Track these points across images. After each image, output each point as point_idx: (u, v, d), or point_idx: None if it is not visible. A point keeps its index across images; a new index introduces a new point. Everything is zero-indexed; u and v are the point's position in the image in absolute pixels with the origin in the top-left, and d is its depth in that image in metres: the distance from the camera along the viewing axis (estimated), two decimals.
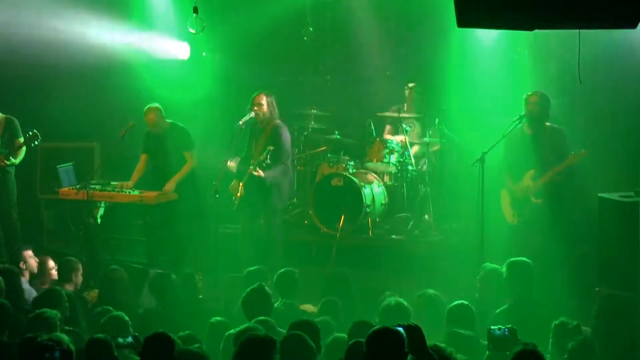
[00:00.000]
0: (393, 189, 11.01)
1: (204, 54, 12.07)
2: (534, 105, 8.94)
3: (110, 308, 7.14)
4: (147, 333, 5.71)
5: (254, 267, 8.23)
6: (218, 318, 7.15)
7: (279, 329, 6.52)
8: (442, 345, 5.25)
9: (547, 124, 9.01)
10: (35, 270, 8.93)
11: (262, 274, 8.03)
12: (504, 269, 7.53)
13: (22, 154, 10.16)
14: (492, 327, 5.95)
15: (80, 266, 8.70)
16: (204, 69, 11.84)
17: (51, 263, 9.00)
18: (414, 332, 4.69)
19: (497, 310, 7.22)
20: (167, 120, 10.22)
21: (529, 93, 9.01)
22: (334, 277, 8.31)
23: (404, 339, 4.65)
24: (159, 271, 9.00)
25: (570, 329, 6.44)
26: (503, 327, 5.91)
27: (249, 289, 7.13)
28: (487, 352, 6.02)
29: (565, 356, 6.20)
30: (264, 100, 9.79)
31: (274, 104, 9.90)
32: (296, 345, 5.37)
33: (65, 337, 5.21)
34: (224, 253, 9.70)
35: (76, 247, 10.26)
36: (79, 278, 8.64)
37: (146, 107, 10.14)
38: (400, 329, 4.70)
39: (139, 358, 5.79)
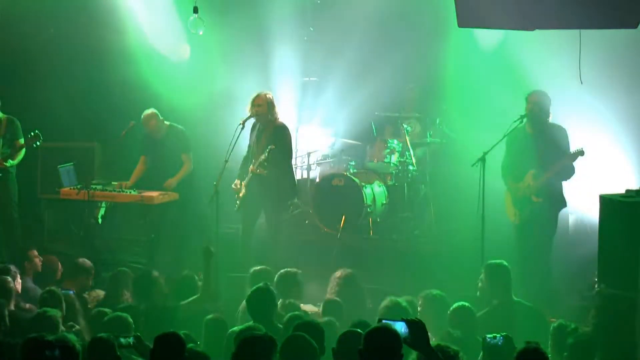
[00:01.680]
0: (394, 188, 11.02)
1: (203, 52, 12.07)
2: (534, 104, 8.91)
3: (108, 311, 7.12)
4: (149, 333, 5.69)
5: (259, 267, 8.12)
6: (211, 315, 7.13)
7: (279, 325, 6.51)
8: (445, 344, 5.22)
9: (549, 122, 9.00)
10: (40, 269, 8.93)
11: (268, 274, 7.98)
12: (481, 271, 7.52)
13: (21, 154, 10.16)
14: (487, 336, 5.86)
15: (92, 271, 8.69)
16: (204, 68, 11.83)
17: (56, 263, 9.01)
18: (417, 327, 4.67)
19: (479, 314, 7.16)
20: (166, 122, 10.23)
21: (529, 92, 9.00)
22: (343, 278, 8.26)
23: (399, 338, 4.58)
24: (141, 268, 8.79)
25: (569, 331, 6.44)
26: (498, 336, 5.82)
27: (254, 287, 7.00)
28: None
29: (566, 354, 6.19)
30: (263, 101, 9.71)
31: (274, 103, 9.85)
32: (298, 346, 5.33)
33: (73, 337, 5.19)
34: (224, 253, 9.69)
35: (77, 247, 10.27)
36: (89, 282, 8.63)
37: (144, 115, 10.15)
38: (403, 323, 4.67)
39: (140, 358, 5.80)
